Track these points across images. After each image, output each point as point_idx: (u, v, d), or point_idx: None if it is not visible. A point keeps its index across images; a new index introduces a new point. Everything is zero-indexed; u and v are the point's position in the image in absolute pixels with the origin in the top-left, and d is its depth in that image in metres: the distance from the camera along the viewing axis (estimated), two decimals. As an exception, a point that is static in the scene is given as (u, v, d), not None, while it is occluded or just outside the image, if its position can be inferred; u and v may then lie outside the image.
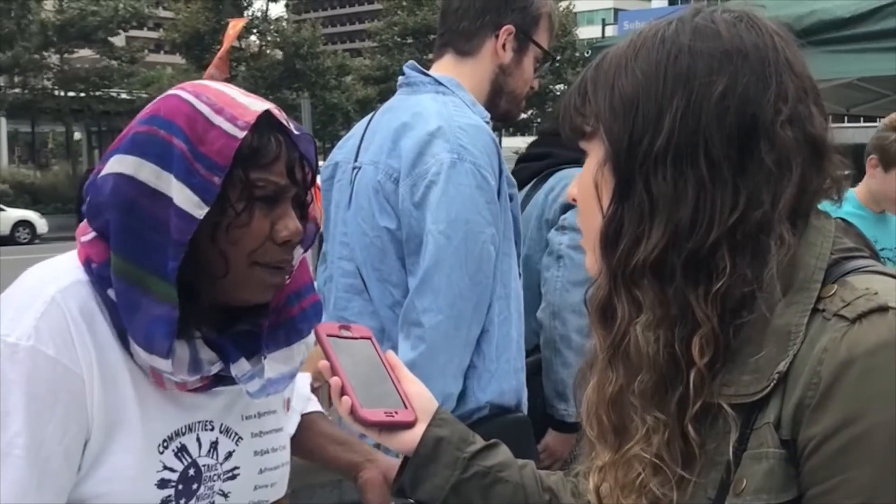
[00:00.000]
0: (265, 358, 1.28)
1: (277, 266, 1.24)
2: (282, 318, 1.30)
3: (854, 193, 3.24)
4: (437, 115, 2.09)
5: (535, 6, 2.26)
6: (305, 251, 1.33)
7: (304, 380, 1.62)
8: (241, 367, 1.25)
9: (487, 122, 2.17)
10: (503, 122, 2.49)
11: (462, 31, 2.24)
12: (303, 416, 1.57)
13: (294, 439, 1.49)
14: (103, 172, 1.22)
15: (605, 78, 0.98)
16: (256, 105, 1.21)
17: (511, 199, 2.18)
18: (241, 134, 1.17)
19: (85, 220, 1.25)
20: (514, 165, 2.97)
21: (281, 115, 1.23)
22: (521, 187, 2.82)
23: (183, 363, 1.21)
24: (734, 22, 0.96)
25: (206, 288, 1.23)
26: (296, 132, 1.24)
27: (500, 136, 39.69)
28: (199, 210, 1.16)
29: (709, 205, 0.91)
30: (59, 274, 1.21)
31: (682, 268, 0.92)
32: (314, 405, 1.63)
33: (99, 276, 1.19)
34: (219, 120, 1.18)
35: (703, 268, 0.91)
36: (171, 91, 1.25)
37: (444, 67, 2.26)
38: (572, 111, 1.02)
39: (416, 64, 2.28)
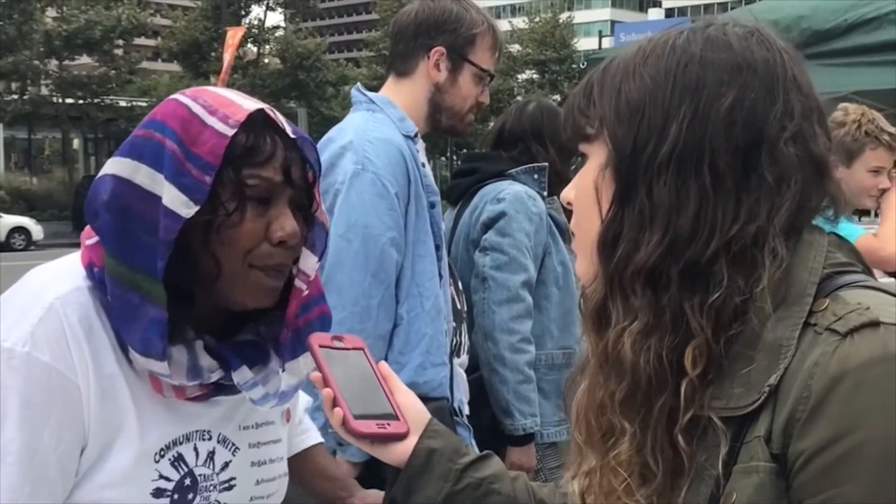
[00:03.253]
0: (283, 371, 1.29)
1: (275, 268, 1.23)
2: (290, 330, 1.29)
3: None
4: (354, 129, 2.34)
5: (465, 27, 2.44)
6: (320, 259, 1.31)
7: (303, 403, 1.61)
8: (242, 374, 1.25)
9: (414, 137, 2.38)
10: (451, 135, 2.76)
11: (399, 53, 2.48)
12: (304, 449, 1.59)
13: (290, 466, 1.50)
14: (101, 173, 1.22)
15: (611, 82, 0.98)
16: (249, 104, 1.21)
17: (433, 206, 2.40)
18: (231, 132, 1.16)
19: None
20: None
21: (277, 116, 1.22)
22: (454, 205, 3.04)
23: (181, 367, 1.20)
24: (745, 36, 0.96)
25: (203, 292, 1.22)
26: (292, 134, 1.23)
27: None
28: (185, 209, 1.15)
29: (710, 215, 0.91)
30: (60, 279, 1.21)
31: (679, 277, 0.91)
32: (315, 436, 1.63)
33: (101, 281, 1.19)
34: (212, 120, 1.18)
35: (699, 278, 0.91)
36: (172, 96, 1.25)
37: (386, 88, 2.49)
38: (576, 112, 1.02)
39: (360, 86, 2.53)
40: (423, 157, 2.45)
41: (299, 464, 1.56)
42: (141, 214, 1.17)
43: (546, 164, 2.94)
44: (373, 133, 2.31)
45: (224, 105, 1.19)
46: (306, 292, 1.29)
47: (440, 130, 2.56)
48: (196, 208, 1.15)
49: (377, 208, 2.23)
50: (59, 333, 1.16)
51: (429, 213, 2.38)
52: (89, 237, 1.24)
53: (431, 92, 2.44)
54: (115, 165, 1.20)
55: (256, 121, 1.19)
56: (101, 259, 1.19)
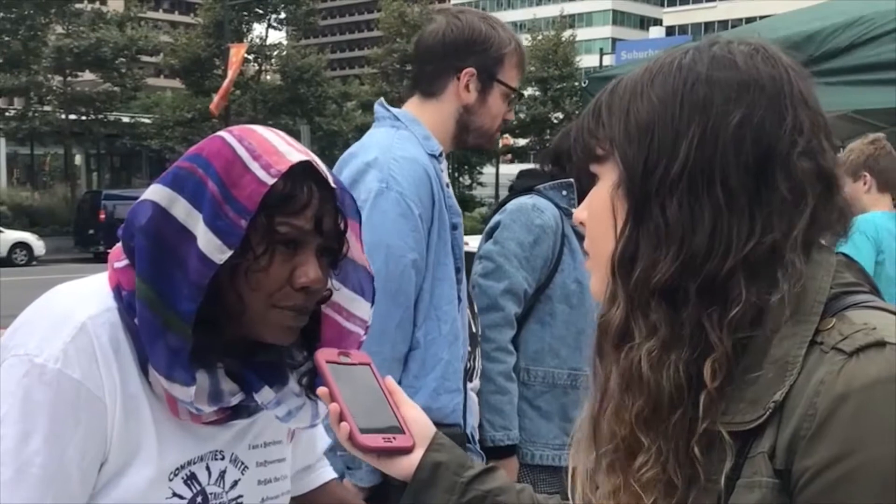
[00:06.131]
0: (312, 399, 1.32)
1: (297, 310, 1.26)
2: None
3: None
4: (379, 146, 2.28)
5: (495, 48, 2.39)
6: (372, 303, 1.36)
7: (323, 443, 1.62)
8: (265, 395, 1.28)
9: (438, 156, 2.34)
10: (477, 149, 2.73)
11: (426, 74, 2.42)
12: (324, 483, 1.60)
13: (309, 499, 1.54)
14: (142, 198, 1.25)
15: (620, 102, 0.99)
16: (294, 155, 1.22)
17: (455, 227, 2.35)
18: (271, 181, 1.19)
19: (120, 245, 1.27)
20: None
21: (321, 167, 1.24)
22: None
23: (203, 393, 1.23)
24: (751, 53, 0.97)
25: (228, 323, 1.25)
26: (333, 184, 1.25)
27: (497, 165, 39.89)
28: (219, 255, 1.18)
29: (725, 231, 0.92)
30: (91, 299, 1.24)
31: (697, 292, 0.92)
32: (332, 472, 1.65)
33: (128, 304, 1.22)
34: (254, 166, 1.20)
35: (717, 293, 0.92)
36: (219, 133, 1.27)
37: (410, 106, 2.43)
38: (585, 134, 1.03)
39: (384, 101, 2.46)
40: (446, 177, 2.40)
41: (320, 495, 1.59)
42: (171, 246, 1.20)
43: (572, 179, 2.88)
44: (398, 151, 2.26)
45: (268, 152, 1.21)
46: (363, 338, 1.34)
47: (465, 148, 2.53)
48: (229, 253, 1.18)
49: (400, 229, 2.19)
50: (89, 352, 1.19)
51: (451, 235, 2.34)
52: (118, 259, 1.26)
53: (460, 113, 2.39)
54: (156, 193, 1.23)
55: (297, 170, 1.21)
56: (130, 283, 1.22)
